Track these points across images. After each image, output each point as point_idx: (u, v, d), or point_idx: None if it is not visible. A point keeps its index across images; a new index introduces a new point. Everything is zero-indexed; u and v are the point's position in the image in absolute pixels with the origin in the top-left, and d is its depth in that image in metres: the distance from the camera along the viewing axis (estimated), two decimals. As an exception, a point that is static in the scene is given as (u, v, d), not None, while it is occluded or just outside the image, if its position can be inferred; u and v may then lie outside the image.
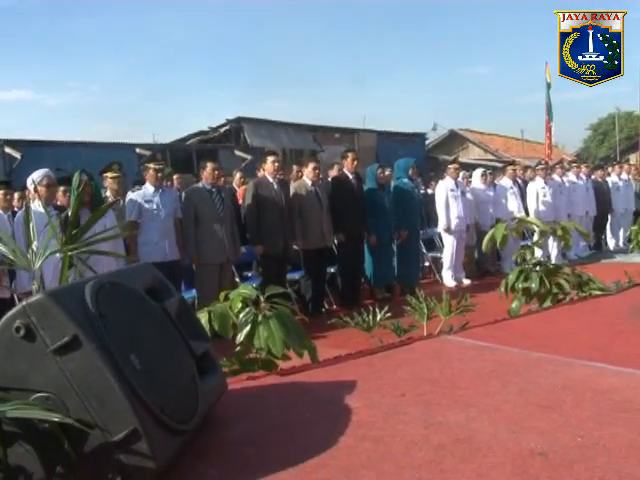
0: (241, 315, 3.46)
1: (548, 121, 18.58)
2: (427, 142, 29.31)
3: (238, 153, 20.63)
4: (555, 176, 11.40)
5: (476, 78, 75.97)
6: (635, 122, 33.19)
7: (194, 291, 7.13)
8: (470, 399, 2.71)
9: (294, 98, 69.97)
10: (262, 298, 3.56)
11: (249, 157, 19.81)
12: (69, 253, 3.03)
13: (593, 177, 12.21)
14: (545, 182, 10.86)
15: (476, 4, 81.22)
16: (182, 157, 19.41)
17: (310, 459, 2.19)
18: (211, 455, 2.29)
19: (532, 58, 72.99)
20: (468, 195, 9.85)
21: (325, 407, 2.70)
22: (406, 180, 8.89)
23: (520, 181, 11.17)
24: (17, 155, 16.91)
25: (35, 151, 15.75)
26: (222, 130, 21.79)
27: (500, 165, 16.66)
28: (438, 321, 4.39)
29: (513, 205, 10.42)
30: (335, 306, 8.19)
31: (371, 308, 4.42)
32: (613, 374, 3.06)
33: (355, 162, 8.30)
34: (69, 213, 5.74)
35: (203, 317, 3.56)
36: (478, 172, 10.54)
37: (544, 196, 10.77)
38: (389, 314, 4.37)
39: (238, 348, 3.47)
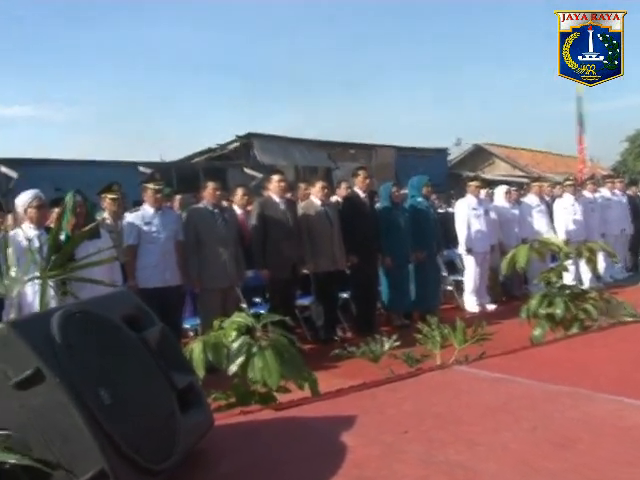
0: (235, 345, 3.44)
1: (581, 133, 18.42)
2: (450, 158, 29.27)
3: (248, 171, 20.62)
4: (586, 192, 11.30)
5: (500, 89, 75.97)
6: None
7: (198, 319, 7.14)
8: (477, 436, 2.65)
9: (307, 113, 70.23)
10: (258, 326, 3.54)
11: (260, 175, 19.78)
12: (48, 280, 3.04)
13: (629, 192, 12.10)
14: (575, 199, 10.77)
15: (500, 13, 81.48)
16: (189, 176, 19.41)
17: (297, 502, 2.15)
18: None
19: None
20: (492, 214, 9.78)
21: (319, 444, 2.65)
22: (420, 199, 8.86)
23: (548, 198, 11.09)
24: (13, 174, 16.98)
25: (32, 170, 15.84)
26: (231, 147, 21.84)
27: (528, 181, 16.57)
28: (454, 350, 4.33)
29: (540, 224, 10.33)
30: (349, 334, 8.13)
31: (378, 337, 4.37)
32: (638, 410, 2.98)
33: (367, 180, 8.28)
34: (62, 236, 5.82)
35: (197, 347, 3.54)
36: (501, 189, 10.49)
37: (574, 214, 10.66)
38: (397, 343, 4.32)
39: (235, 380, 3.44)
